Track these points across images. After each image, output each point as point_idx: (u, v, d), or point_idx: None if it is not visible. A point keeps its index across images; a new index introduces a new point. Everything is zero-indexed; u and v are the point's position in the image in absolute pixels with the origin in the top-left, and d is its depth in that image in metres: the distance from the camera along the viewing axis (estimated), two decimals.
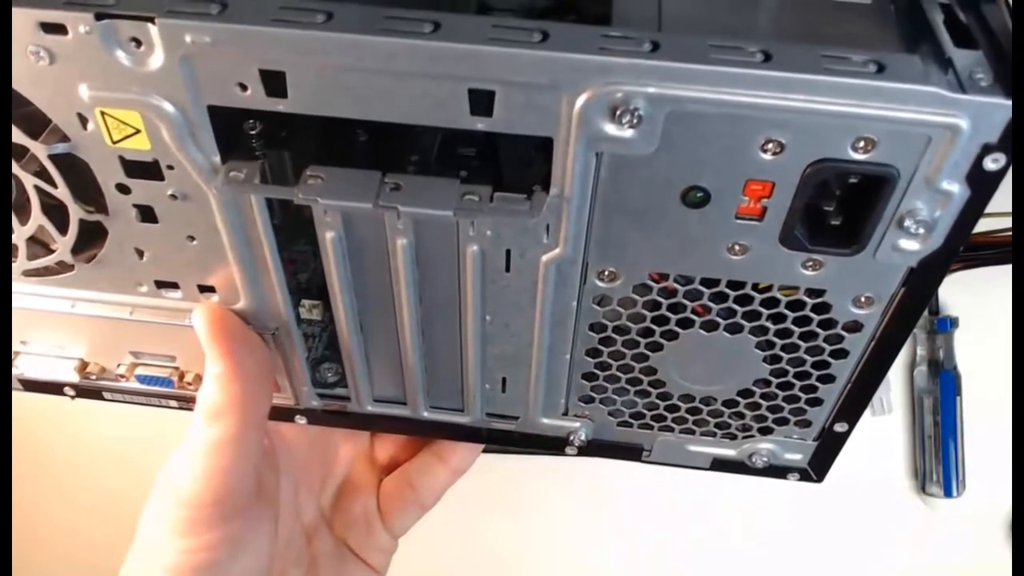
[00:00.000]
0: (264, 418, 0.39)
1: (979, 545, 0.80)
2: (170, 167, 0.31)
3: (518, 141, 0.31)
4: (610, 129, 0.28)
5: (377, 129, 0.33)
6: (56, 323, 0.40)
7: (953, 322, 0.69)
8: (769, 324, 0.35)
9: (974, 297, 0.67)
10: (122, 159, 0.32)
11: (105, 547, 0.48)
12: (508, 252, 0.34)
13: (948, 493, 0.74)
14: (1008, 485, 0.74)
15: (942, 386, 0.71)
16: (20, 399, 0.45)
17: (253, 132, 0.33)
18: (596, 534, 0.80)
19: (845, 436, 0.40)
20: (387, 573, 0.50)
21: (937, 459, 0.74)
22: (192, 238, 0.34)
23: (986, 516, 0.78)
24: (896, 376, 0.73)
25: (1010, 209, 0.34)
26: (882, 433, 0.75)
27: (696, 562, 0.83)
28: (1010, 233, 0.48)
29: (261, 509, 0.41)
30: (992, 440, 0.71)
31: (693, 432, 0.41)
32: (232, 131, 0.32)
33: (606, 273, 0.34)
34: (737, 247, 0.32)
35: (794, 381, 0.38)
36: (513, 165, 0.34)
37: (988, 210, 0.30)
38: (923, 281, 0.32)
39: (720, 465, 0.43)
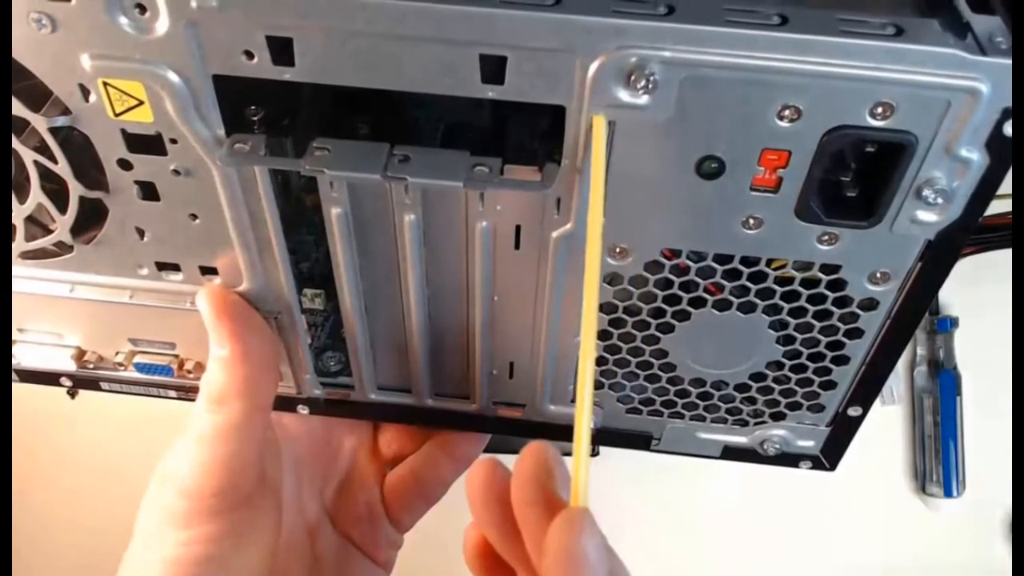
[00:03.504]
0: (269, 405, 0.38)
1: (979, 545, 0.80)
2: (173, 141, 0.31)
3: (526, 114, 0.30)
4: (624, 96, 0.28)
5: (380, 115, 0.33)
6: (54, 309, 0.39)
7: (953, 322, 0.69)
8: (783, 303, 0.34)
9: (974, 297, 0.67)
10: (124, 132, 0.31)
11: (105, 545, 0.47)
12: (518, 228, 0.33)
13: (948, 493, 0.74)
14: (1008, 485, 0.74)
15: (942, 386, 0.71)
16: (21, 394, 0.44)
17: (255, 119, 0.32)
18: None
19: (859, 421, 0.39)
20: (393, 570, 0.49)
21: (937, 459, 0.74)
22: (195, 216, 0.34)
23: (986, 516, 0.79)
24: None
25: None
26: (882, 433, 0.75)
27: (694, 561, 0.83)
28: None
29: (264, 502, 0.40)
30: (992, 440, 0.71)
31: (704, 419, 0.41)
32: (235, 112, 0.31)
33: (617, 250, 0.33)
34: (751, 220, 0.31)
35: (808, 363, 0.37)
36: (521, 141, 0.33)
37: (999, 192, 0.30)
38: (940, 255, 0.32)
39: (731, 453, 0.42)
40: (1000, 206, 0.43)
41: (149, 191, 0.33)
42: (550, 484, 0.31)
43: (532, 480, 0.31)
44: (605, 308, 0.36)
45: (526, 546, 0.31)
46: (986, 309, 0.67)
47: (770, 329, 0.36)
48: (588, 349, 0.28)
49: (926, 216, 0.30)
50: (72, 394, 0.44)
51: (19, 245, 0.36)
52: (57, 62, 0.29)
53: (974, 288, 0.65)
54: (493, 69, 0.28)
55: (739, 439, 0.42)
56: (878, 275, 0.33)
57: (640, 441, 0.42)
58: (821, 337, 0.36)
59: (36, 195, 0.33)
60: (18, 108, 0.31)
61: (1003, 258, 0.52)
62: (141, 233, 0.35)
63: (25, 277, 0.37)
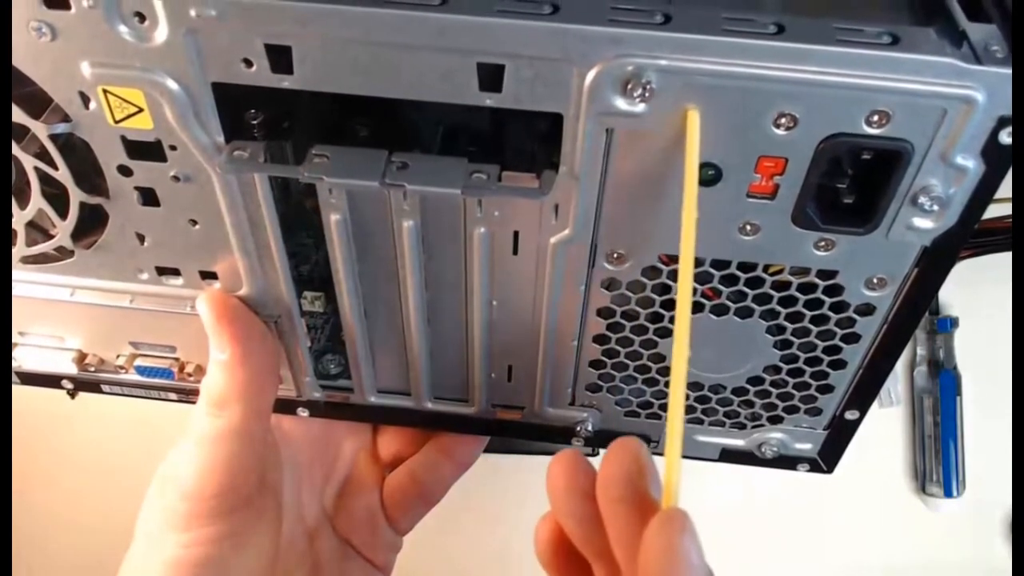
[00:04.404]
0: (269, 408, 0.38)
1: (979, 545, 0.80)
2: (173, 147, 0.31)
3: (525, 121, 0.30)
4: (621, 104, 0.28)
5: (379, 119, 0.33)
6: (54, 312, 0.39)
7: (953, 322, 0.69)
8: (780, 308, 0.35)
9: (974, 297, 0.67)
10: (124, 139, 0.31)
11: (105, 545, 0.47)
12: (516, 234, 0.33)
13: (948, 493, 0.73)
14: (1008, 485, 0.74)
15: (942, 386, 0.71)
16: (21, 394, 0.44)
17: (255, 122, 0.32)
18: None
19: (856, 424, 0.40)
20: (392, 572, 0.49)
21: (937, 459, 0.73)
22: (194, 222, 0.34)
23: (986, 516, 0.78)
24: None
25: None
26: (882, 432, 0.75)
27: None
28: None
29: (264, 504, 0.41)
30: (992, 440, 0.71)
31: (702, 422, 0.41)
32: (235, 117, 0.31)
33: (615, 255, 0.33)
34: (748, 227, 0.31)
35: (805, 367, 0.37)
36: (519, 147, 0.33)
37: (997, 196, 0.30)
38: (936, 261, 0.32)
39: (729, 456, 0.42)
40: (998, 210, 0.43)
41: (149, 197, 0.33)
42: (642, 483, 0.30)
43: (623, 477, 0.30)
44: (603, 313, 0.36)
45: (611, 542, 0.30)
46: (986, 309, 0.66)
47: (767, 334, 0.36)
48: (681, 351, 0.28)
49: (922, 223, 0.30)
50: (72, 395, 0.44)
51: (20, 250, 0.36)
52: (57, 70, 0.29)
53: (974, 288, 0.65)
54: (491, 77, 0.28)
55: (737, 442, 0.42)
56: (875, 280, 0.33)
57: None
58: (818, 342, 0.36)
59: (37, 200, 0.34)
60: (18, 115, 0.31)
61: (1003, 258, 0.52)
62: (141, 238, 0.35)
63: (26, 281, 0.38)
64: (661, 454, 0.42)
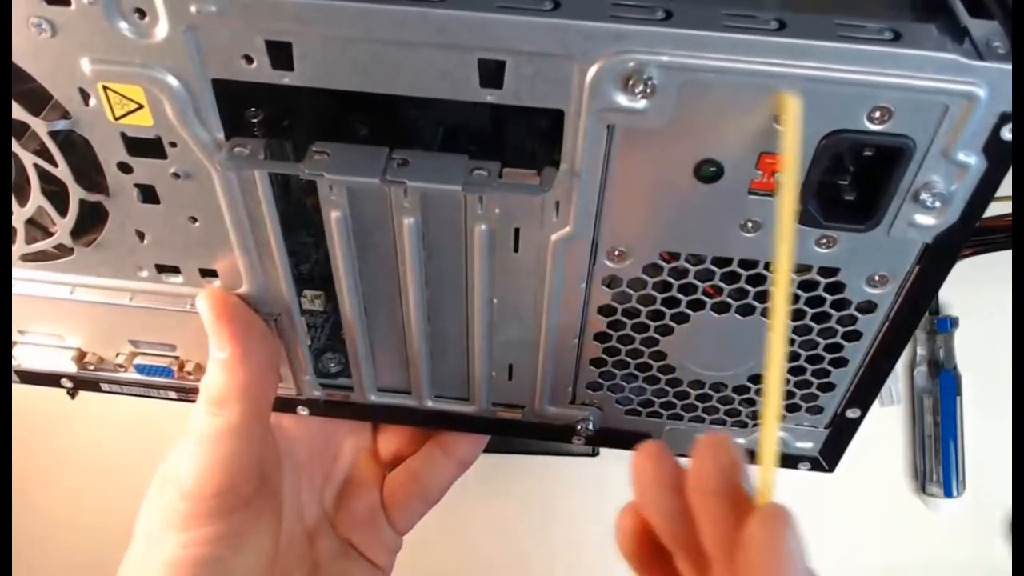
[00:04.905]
0: (269, 407, 0.38)
1: (979, 545, 0.80)
2: (173, 144, 0.31)
3: (525, 117, 0.30)
4: (622, 100, 0.28)
5: (380, 117, 0.33)
6: (54, 311, 0.39)
7: (953, 322, 0.69)
8: None
9: (974, 297, 0.67)
10: (124, 136, 0.31)
11: (105, 545, 0.47)
12: (517, 231, 0.33)
13: (948, 493, 0.73)
14: (1008, 485, 0.74)
15: (942, 386, 0.71)
16: (21, 394, 0.44)
17: (255, 120, 0.32)
18: (598, 533, 0.79)
19: (858, 422, 0.40)
20: (392, 572, 0.49)
21: (937, 459, 0.73)
22: (194, 219, 0.34)
23: (986, 516, 0.78)
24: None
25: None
26: (882, 432, 0.74)
27: None
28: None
29: (264, 504, 0.40)
30: (992, 440, 0.71)
31: (703, 420, 0.41)
32: (235, 114, 0.31)
33: (616, 252, 0.33)
34: (750, 224, 0.31)
35: (806, 365, 0.37)
36: (520, 144, 0.33)
37: (998, 194, 0.30)
38: (938, 258, 0.32)
39: None
40: (999, 208, 0.43)
41: (149, 194, 0.33)
42: (735, 477, 0.30)
43: (717, 470, 0.31)
44: (604, 310, 0.36)
45: (703, 536, 0.30)
46: (986, 309, 0.66)
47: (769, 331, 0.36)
48: (779, 337, 0.28)
49: (924, 219, 0.30)
50: (72, 395, 0.44)
51: (19, 247, 0.36)
52: (57, 66, 0.29)
53: (974, 288, 0.64)
54: (492, 73, 0.28)
55: (738, 440, 0.42)
56: (876, 278, 0.33)
57: (639, 442, 0.42)
58: (819, 339, 0.36)
59: (36, 198, 0.33)
60: (18, 112, 0.31)
61: (1003, 258, 0.52)
62: (141, 236, 0.35)
63: (25, 279, 0.38)
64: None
